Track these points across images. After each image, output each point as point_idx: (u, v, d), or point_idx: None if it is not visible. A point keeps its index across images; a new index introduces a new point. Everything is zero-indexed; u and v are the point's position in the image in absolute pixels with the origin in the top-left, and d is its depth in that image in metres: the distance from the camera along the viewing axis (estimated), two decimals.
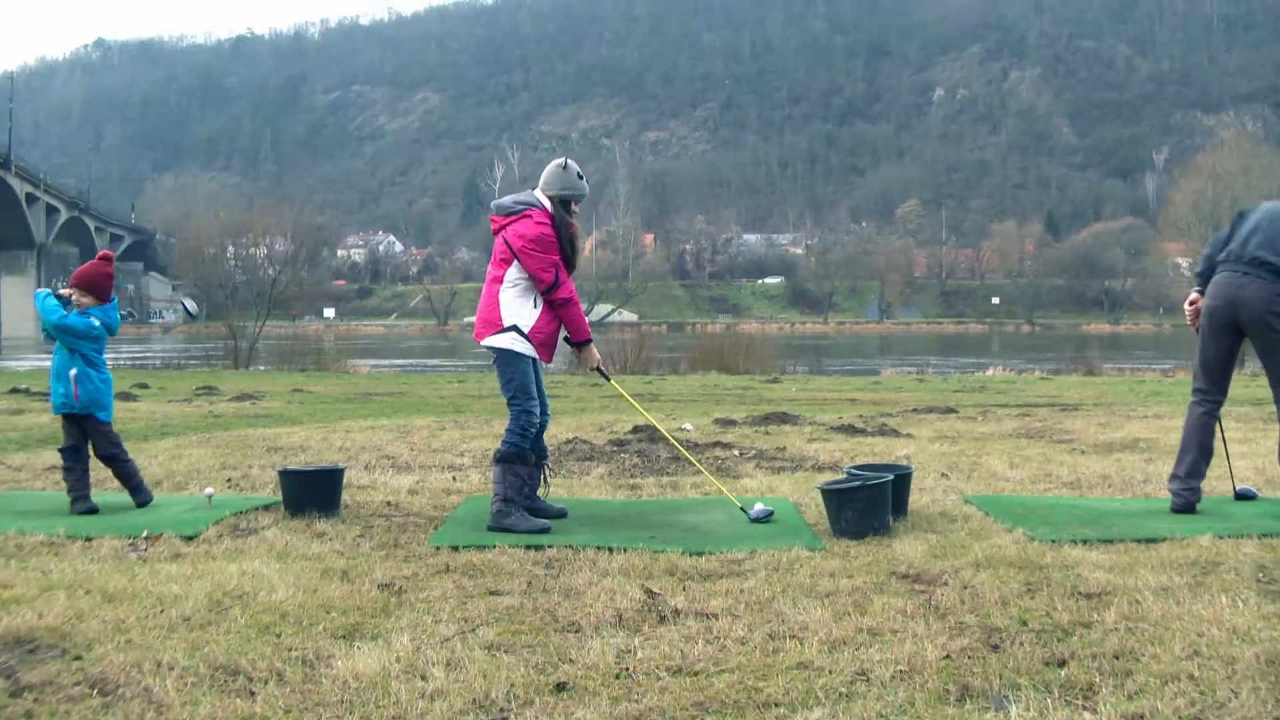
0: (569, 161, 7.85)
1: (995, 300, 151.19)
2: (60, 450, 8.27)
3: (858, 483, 7.24)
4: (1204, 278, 8.00)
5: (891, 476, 7.43)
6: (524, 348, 7.65)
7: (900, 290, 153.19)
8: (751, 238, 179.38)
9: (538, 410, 7.77)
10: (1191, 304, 8.10)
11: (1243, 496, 8.34)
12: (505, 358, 7.69)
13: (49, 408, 9.20)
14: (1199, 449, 7.90)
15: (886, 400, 21.71)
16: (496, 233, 7.74)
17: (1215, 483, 8.51)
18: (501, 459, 7.57)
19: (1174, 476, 7.95)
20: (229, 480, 9.83)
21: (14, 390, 22.96)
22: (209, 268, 58.29)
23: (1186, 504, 7.78)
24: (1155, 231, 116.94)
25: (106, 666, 4.36)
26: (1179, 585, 5.65)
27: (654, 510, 8.21)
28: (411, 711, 3.94)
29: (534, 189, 7.82)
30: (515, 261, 7.63)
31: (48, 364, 8.91)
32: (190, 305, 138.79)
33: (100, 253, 8.84)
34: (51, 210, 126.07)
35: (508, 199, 7.86)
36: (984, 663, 4.42)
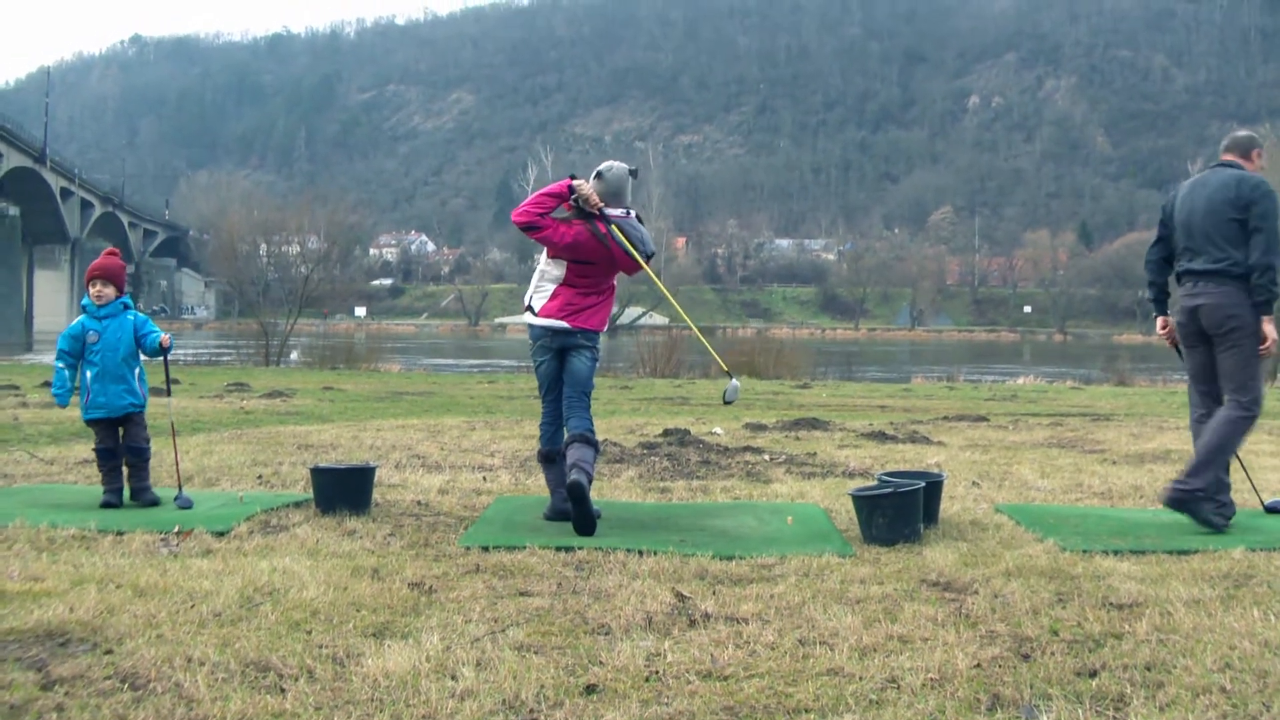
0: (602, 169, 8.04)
1: (1027, 309, 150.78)
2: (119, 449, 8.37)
3: (889, 490, 7.23)
4: None
5: (923, 484, 7.42)
6: None
7: (932, 298, 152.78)
8: (784, 243, 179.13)
9: None
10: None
11: (1273, 510, 8.29)
12: (598, 344, 8.02)
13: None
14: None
15: (917, 407, 21.67)
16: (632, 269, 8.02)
17: (1248, 495, 8.47)
18: (592, 441, 7.70)
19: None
20: (259, 477, 9.87)
21: (46, 384, 23.05)
22: (242, 264, 58.37)
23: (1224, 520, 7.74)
24: None
25: (137, 661, 4.39)
26: (1211, 597, 5.64)
27: (684, 514, 8.21)
28: (441, 711, 3.95)
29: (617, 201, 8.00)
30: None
31: None
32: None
33: (106, 249, 8.91)
34: (86, 205, 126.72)
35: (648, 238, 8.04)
36: (1015, 672, 4.41)
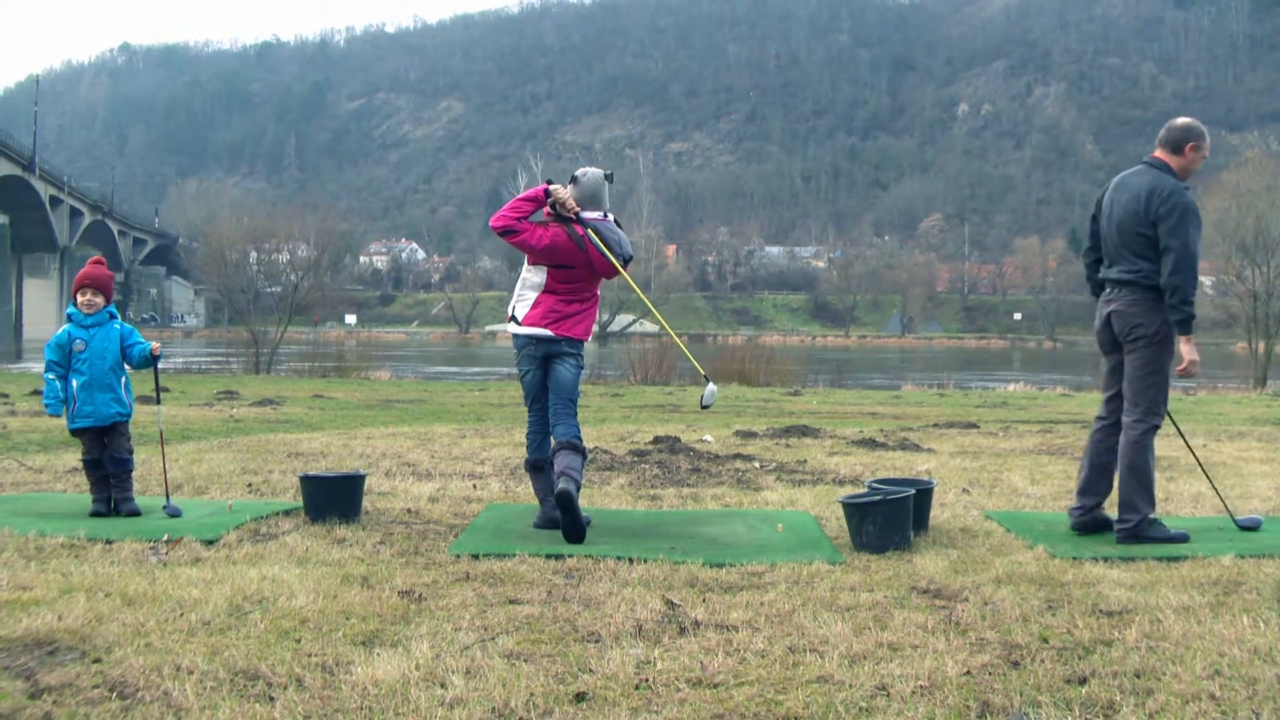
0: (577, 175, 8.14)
1: (1017, 316, 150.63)
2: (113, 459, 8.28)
3: (879, 497, 7.22)
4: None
5: (913, 491, 7.41)
6: None
7: (922, 305, 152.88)
8: (774, 250, 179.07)
9: None
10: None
11: (1246, 528, 7.91)
12: (583, 352, 8.06)
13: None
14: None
15: (907, 415, 21.66)
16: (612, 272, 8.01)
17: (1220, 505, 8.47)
18: (579, 448, 7.70)
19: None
20: (249, 485, 9.84)
21: (35, 392, 22.99)
22: (231, 272, 58.40)
23: (1079, 525, 7.84)
24: None
25: (126, 669, 4.37)
26: (1200, 604, 5.63)
27: (674, 521, 8.21)
28: (431, 719, 3.94)
29: (599, 207, 8.05)
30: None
31: None
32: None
33: (93, 258, 8.85)
34: (75, 213, 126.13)
35: (626, 242, 8.10)
36: (1005, 679, 4.40)
